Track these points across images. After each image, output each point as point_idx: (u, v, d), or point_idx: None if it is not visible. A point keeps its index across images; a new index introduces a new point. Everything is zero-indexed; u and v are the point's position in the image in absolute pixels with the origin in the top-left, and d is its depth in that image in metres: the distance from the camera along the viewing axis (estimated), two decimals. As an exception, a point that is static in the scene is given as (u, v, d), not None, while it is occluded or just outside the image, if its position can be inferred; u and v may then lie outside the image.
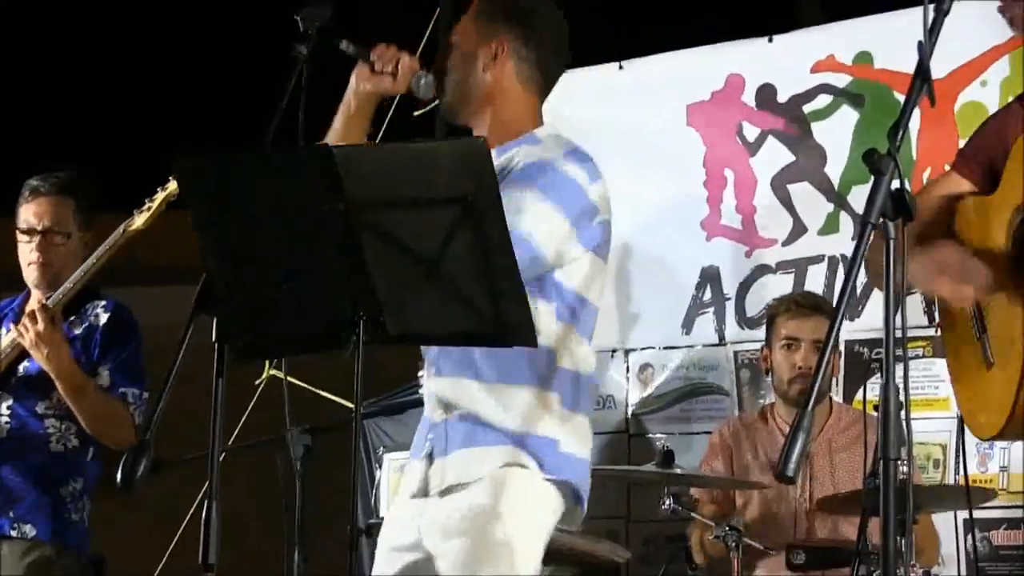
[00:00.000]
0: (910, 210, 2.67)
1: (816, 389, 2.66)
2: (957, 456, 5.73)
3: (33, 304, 5.09)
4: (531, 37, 3.85)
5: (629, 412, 6.37)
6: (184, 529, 6.71)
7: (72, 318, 5.16)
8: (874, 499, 2.68)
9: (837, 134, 6.14)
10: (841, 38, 6.21)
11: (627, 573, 5.53)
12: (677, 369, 6.35)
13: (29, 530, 5.02)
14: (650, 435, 6.29)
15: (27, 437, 5.06)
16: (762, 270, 6.26)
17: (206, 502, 3.27)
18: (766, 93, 6.32)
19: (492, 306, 3.27)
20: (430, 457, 3.74)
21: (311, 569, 4.84)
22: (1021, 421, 3.02)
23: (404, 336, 3.44)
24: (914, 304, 5.81)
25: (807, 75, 6.23)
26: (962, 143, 5.79)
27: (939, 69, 5.58)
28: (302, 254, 3.35)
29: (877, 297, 5.74)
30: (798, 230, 6.21)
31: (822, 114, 6.22)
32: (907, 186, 2.61)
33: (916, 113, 5.72)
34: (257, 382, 6.80)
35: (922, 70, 2.80)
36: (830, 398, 5.64)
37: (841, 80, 6.17)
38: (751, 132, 6.37)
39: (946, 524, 5.64)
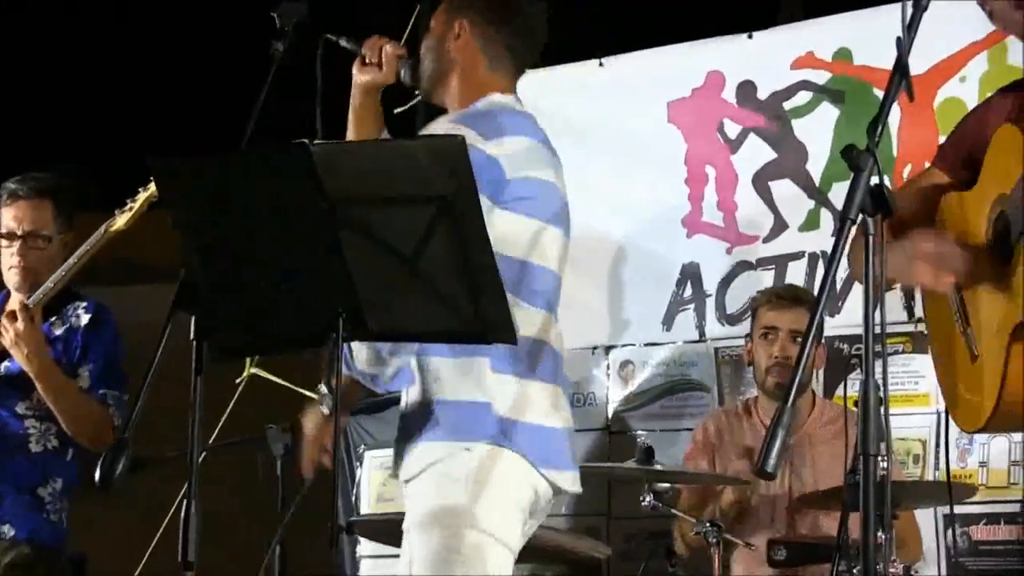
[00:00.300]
0: (889, 206, 2.67)
1: (796, 383, 2.66)
2: (937, 451, 5.74)
3: (13, 304, 5.08)
4: (497, 19, 3.91)
5: (610, 409, 6.37)
6: (165, 528, 6.69)
7: (53, 319, 5.14)
8: (854, 494, 2.68)
9: (818, 131, 6.15)
10: (821, 35, 6.21)
11: (608, 570, 5.53)
12: (658, 366, 6.35)
13: (8, 530, 5.01)
14: (631, 432, 6.29)
15: (7, 437, 5.05)
16: (743, 267, 6.27)
17: (186, 501, 3.27)
18: (746, 90, 6.32)
19: (471, 303, 3.27)
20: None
21: (293, 566, 4.84)
22: (1005, 414, 3.03)
23: (384, 334, 3.45)
24: (893, 300, 5.82)
25: (787, 72, 6.24)
26: (942, 139, 5.79)
27: (918, 65, 5.67)
28: (282, 252, 3.35)
29: (857, 293, 5.75)
30: (779, 227, 6.22)
31: (803, 111, 6.23)
32: (887, 182, 2.61)
33: (896, 109, 5.84)
34: (238, 380, 6.79)
35: (900, 66, 2.80)
36: (812, 392, 5.64)
37: (821, 77, 6.18)
38: (732, 129, 6.37)
39: (926, 519, 5.65)
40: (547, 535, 4.52)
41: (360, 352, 3.61)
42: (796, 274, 6.11)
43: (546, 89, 6.54)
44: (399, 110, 6.05)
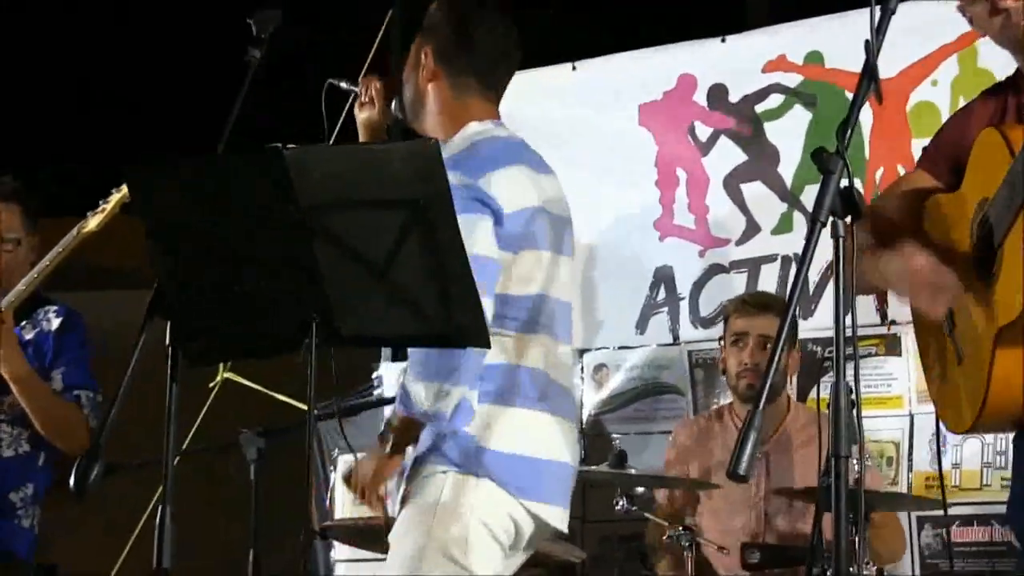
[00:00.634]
0: (859, 208, 2.68)
1: (767, 387, 2.67)
2: (911, 454, 5.76)
3: (-16, 308, 5.06)
4: (457, 44, 3.90)
5: (584, 412, 6.38)
6: (138, 533, 6.68)
7: (23, 323, 5.13)
8: (827, 496, 2.69)
9: (789, 134, 6.16)
10: (792, 38, 6.23)
11: (583, 573, 5.53)
12: (632, 369, 6.36)
13: (-23, 537, 4.99)
14: (606, 435, 6.30)
15: (-23, 442, 5.04)
16: (715, 270, 6.28)
17: (160, 506, 3.27)
18: (718, 93, 6.33)
19: (444, 309, 3.27)
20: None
21: (267, 571, 4.83)
22: (991, 416, 3.04)
23: (357, 338, 3.45)
24: (866, 303, 5.84)
25: (759, 75, 6.25)
26: (914, 142, 5.88)
27: (890, 69, 5.70)
28: (255, 257, 3.35)
29: (830, 296, 5.75)
30: (751, 230, 6.23)
31: (774, 114, 6.24)
32: (858, 185, 2.63)
33: (868, 113, 5.87)
34: (211, 385, 6.78)
35: (869, 69, 2.82)
36: (788, 396, 5.65)
37: (793, 80, 6.20)
38: (703, 132, 6.38)
39: (900, 521, 5.67)
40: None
41: (418, 391, 3.59)
42: (769, 277, 6.12)
43: (519, 93, 6.43)
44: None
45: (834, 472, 2.66)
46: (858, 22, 5.64)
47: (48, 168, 6.08)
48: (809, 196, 6.05)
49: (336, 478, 6.77)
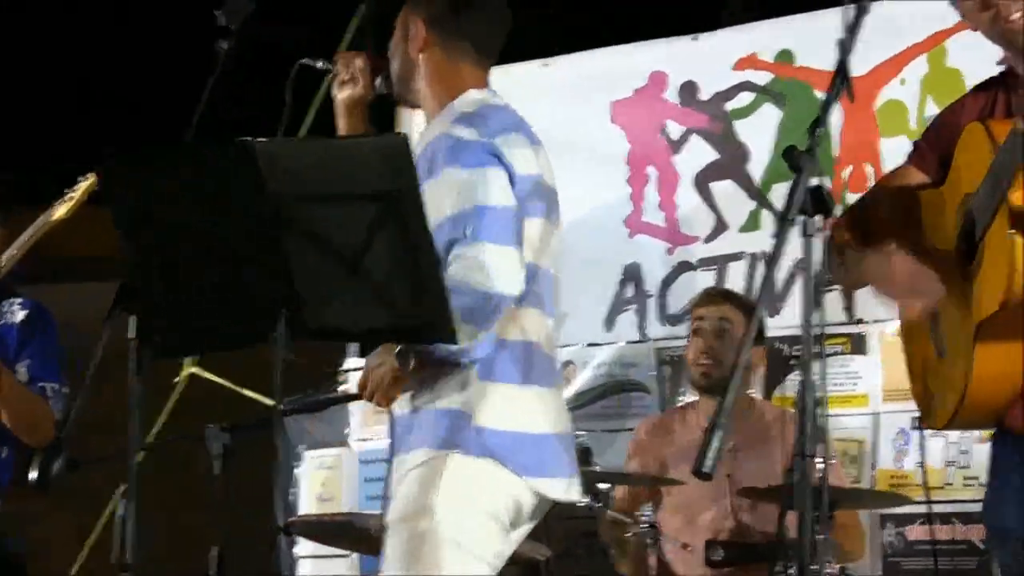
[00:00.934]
0: (828, 207, 2.69)
1: (734, 386, 2.66)
2: (874, 452, 5.77)
3: (-49, 299, 5.03)
4: (451, 11, 3.88)
5: (552, 409, 6.36)
6: (103, 528, 6.66)
7: (-13, 315, 5.10)
8: (792, 494, 2.69)
9: (759, 132, 6.17)
10: (763, 37, 6.24)
11: (547, 570, 5.52)
12: (599, 366, 6.36)
13: (-61, 530, 4.96)
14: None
15: (-59, 435, 5.00)
16: (684, 267, 6.29)
17: (123, 501, 3.25)
18: (689, 90, 6.34)
19: (413, 302, 3.27)
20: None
21: (231, 567, 4.81)
22: (970, 412, 3.05)
23: (325, 332, 3.44)
24: (834, 301, 5.85)
25: (729, 73, 6.26)
26: (882, 141, 5.90)
27: (859, 67, 5.68)
28: (224, 250, 3.35)
29: (796, 294, 5.78)
30: (720, 227, 6.24)
31: (744, 112, 6.25)
32: (827, 183, 2.62)
33: (837, 111, 5.80)
34: (176, 380, 6.76)
35: (841, 68, 2.82)
36: (750, 396, 5.65)
37: (763, 78, 6.21)
38: (675, 130, 6.39)
39: (861, 519, 5.68)
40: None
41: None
42: (737, 275, 6.13)
43: (489, 89, 6.54)
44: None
45: (799, 471, 2.65)
46: (828, 21, 5.60)
47: (13, 160, 6.04)
48: (777, 194, 6.06)
49: (301, 473, 6.76)
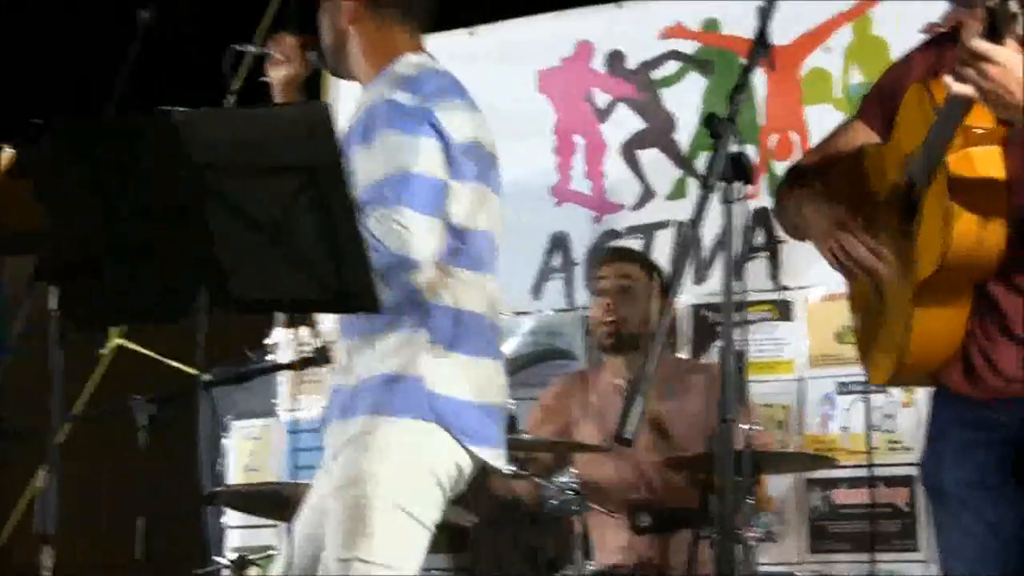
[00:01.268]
0: (748, 173, 2.70)
1: (657, 351, 2.67)
2: (800, 417, 5.81)
3: None
4: None
5: (479, 377, 6.36)
6: (30, 501, 6.61)
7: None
8: (717, 459, 2.71)
9: (686, 100, 6.19)
10: (689, 5, 6.25)
11: (474, 536, 5.53)
12: (527, 335, 6.37)
13: None
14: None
15: None
16: (611, 235, 6.30)
17: (45, 474, 3.23)
18: (616, 60, 6.35)
19: (335, 273, 3.25)
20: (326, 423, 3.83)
21: (158, 538, 4.80)
22: (909, 370, 3.07)
23: (249, 302, 3.42)
24: (759, 267, 5.89)
25: (656, 42, 6.27)
26: (807, 109, 5.92)
27: (784, 36, 5.74)
28: (145, 221, 3.32)
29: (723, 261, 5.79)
30: (646, 195, 6.26)
31: (671, 80, 6.27)
32: (752, 150, 2.64)
33: (762, 79, 5.90)
34: (102, 351, 6.72)
35: (761, 35, 2.83)
36: (678, 357, 5.66)
37: (689, 47, 6.22)
38: (601, 98, 6.40)
39: (788, 484, 5.73)
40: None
41: None
42: (663, 243, 6.15)
43: (415, 57, 6.52)
44: (266, 78, 5.99)
45: (722, 434, 2.67)
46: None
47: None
48: (704, 162, 6.07)
49: (228, 443, 6.74)
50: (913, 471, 5.38)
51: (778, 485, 5.70)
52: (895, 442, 5.46)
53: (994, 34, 2.67)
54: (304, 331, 6.35)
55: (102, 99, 3.68)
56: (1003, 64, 2.68)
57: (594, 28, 6.39)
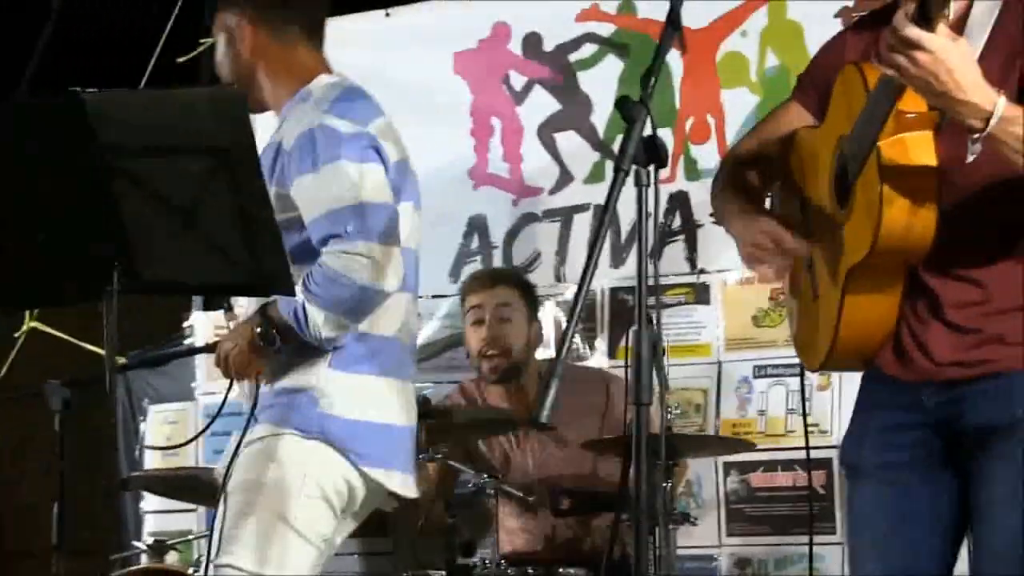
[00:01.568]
0: (662, 157, 2.70)
1: (569, 337, 2.67)
2: (718, 401, 5.84)
3: None
4: (270, 1, 3.87)
5: (397, 361, 6.35)
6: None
7: None
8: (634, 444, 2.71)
9: (602, 83, 6.19)
10: (606, -12, 6.26)
11: (393, 520, 5.52)
12: (445, 318, 6.36)
13: None
14: (417, 384, 6.28)
15: None
16: (529, 219, 6.30)
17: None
18: (532, 42, 6.35)
19: (249, 256, 3.25)
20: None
21: (73, 524, 4.76)
22: (841, 355, 3.08)
23: (160, 285, 3.41)
24: (676, 251, 5.91)
25: (573, 24, 6.27)
26: (724, 92, 5.94)
27: (699, 19, 5.75)
28: (56, 203, 3.29)
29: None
30: (564, 179, 6.26)
31: (587, 63, 6.27)
32: (668, 134, 2.64)
33: (678, 63, 5.91)
34: (17, 334, 6.65)
35: (673, 17, 2.83)
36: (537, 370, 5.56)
37: (606, 30, 6.22)
38: (518, 81, 6.39)
39: (706, 468, 5.76)
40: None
41: (316, 319, 3.58)
42: (582, 226, 6.16)
43: (331, 39, 6.39)
44: (182, 59, 5.96)
45: (636, 419, 2.67)
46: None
47: None
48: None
49: (145, 428, 6.70)
50: (830, 454, 5.42)
51: (696, 468, 5.73)
52: (812, 425, 5.49)
53: (925, 18, 2.67)
54: (220, 314, 6.31)
55: (13, 81, 3.64)
56: (933, 52, 2.68)
57: (511, 10, 6.38)
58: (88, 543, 4.27)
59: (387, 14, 6.60)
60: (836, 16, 5.60)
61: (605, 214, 2.66)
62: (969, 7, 2.96)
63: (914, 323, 3.02)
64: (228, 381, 3.78)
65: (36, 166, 3.25)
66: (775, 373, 5.74)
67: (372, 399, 3.74)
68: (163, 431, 6.70)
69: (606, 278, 6.01)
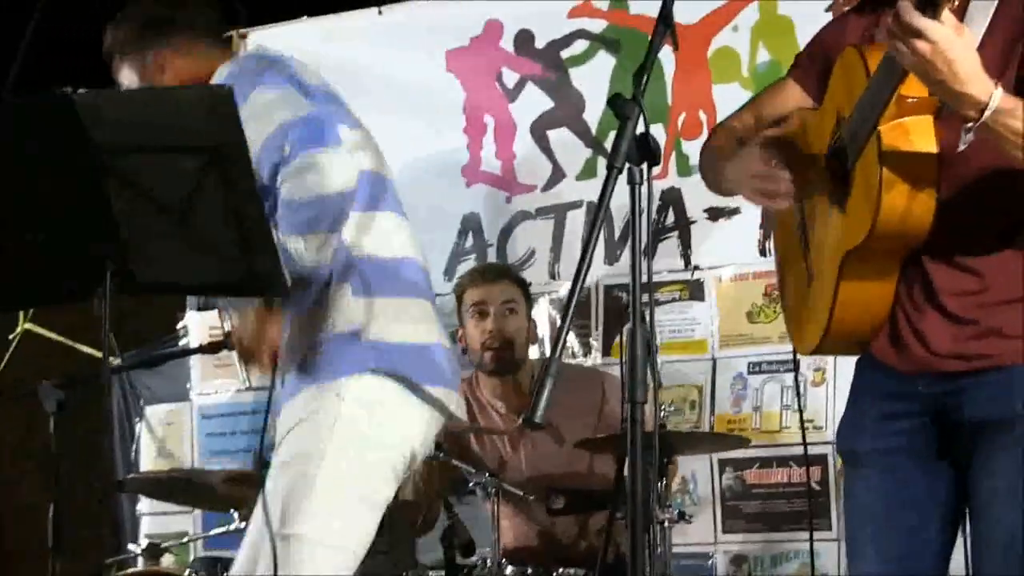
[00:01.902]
0: (654, 155, 2.69)
1: (563, 336, 2.66)
2: (713, 398, 5.84)
3: None
4: (173, 29, 3.86)
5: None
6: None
7: None
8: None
9: (595, 80, 6.19)
10: (598, -16, 6.26)
11: (391, 518, 5.50)
12: (440, 316, 6.33)
13: None
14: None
15: None
16: (522, 216, 6.30)
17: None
18: (524, 38, 6.34)
19: (242, 255, 3.24)
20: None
21: (70, 525, 4.75)
22: (835, 339, 3.07)
23: (154, 286, 3.40)
24: (671, 247, 5.91)
25: (565, 21, 6.27)
26: (715, 88, 5.94)
27: (691, 15, 5.76)
28: (50, 203, 3.30)
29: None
30: (557, 176, 6.26)
31: (580, 60, 6.26)
32: (661, 131, 2.63)
33: (670, 59, 5.90)
34: (11, 336, 6.65)
35: (665, 14, 2.82)
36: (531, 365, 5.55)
37: (598, 26, 6.22)
38: (510, 78, 6.39)
39: (701, 465, 5.75)
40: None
41: (298, 246, 3.49)
42: (575, 222, 6.15)
43: (324, 37, 6.50)
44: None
45: (631, 417, 2.66)
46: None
47: None
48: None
49: (142, 428, 6.69)
50: (826, 450, 5.42)
51: (691, 466, 5.73)
52: (808, 421, 5.49)
53: (931, 4, 2.65)
54: (214, 314, 6.31)
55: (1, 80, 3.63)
56: (936, 42, 2.66)
57: (503, 7, 6.38)
58: (85, 544, 4.27)
59: (379, 12, 6.59)
60: (827, 10, 5.60)
61: (599, 213, 2.65)
62: None
63: (910, 309, 3.01)
64: (237, 377, 3.74)
65: (30, 166, 3.26)
66: (770, 369, 5.74)
67: (408, 320, 3.69)
68: (158, 432, 6.69)
69: (600, 274, 6.01)
